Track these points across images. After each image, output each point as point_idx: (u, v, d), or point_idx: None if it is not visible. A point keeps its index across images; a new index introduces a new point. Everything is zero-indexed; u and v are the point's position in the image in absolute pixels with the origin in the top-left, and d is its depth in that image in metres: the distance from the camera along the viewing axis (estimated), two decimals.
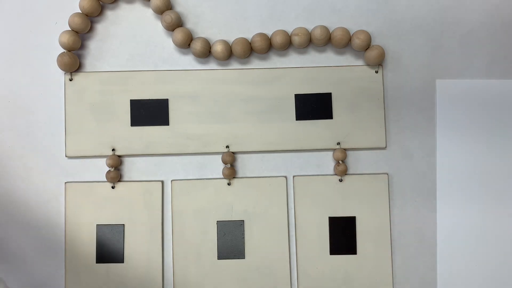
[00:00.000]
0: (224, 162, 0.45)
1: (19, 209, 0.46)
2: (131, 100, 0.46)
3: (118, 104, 0.46)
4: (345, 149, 0.45)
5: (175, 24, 0.44)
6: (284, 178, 0.45)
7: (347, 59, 0.46)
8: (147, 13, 0.46)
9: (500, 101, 0.46)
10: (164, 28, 0.45)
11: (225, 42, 0.45)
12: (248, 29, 0.46)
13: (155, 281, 0.45)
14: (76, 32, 0.45)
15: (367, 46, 0.44)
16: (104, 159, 0.45)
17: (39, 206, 0.46)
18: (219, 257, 0.45)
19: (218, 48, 0.44)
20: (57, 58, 0.44)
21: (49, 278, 0.45)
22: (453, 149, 0.46)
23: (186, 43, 0.45)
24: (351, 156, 0.46)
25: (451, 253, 0.46)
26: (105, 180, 0.45)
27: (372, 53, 0.44)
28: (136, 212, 0.45)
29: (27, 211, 0.46)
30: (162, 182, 0.46)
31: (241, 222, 0.45)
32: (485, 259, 0.46)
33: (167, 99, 0.46)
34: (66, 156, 0.45)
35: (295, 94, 0.46)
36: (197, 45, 0.44)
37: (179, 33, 0.44)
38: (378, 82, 0.46)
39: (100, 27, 0.46)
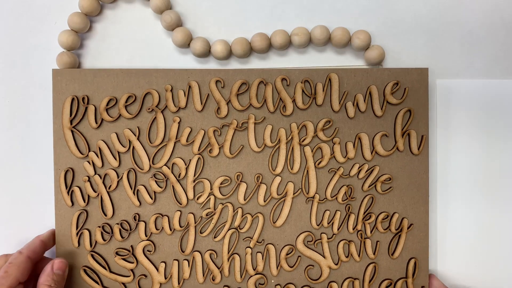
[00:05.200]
0: None
1: (19, 208, 0.46)
2: None
3: None
4: None
5: (175, 24, 0.44)
6: None
7: (347, 59, 0.46)
8: (147, 13, 0.46)
9: (500, 101, 0.46)
10: (164, 28, 0.45)
11: (225, 42, 0.45)
12: (248, 29, 0.46)
13: None
14: (76, 31, 0.45)
15: (367, 46, 0.44)
16: None
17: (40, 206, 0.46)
18: None
19: (217, 48, 0.44)
20: (57, 58, 0.44)
21: None
22: (453, 149, 0.46)
23: (185, 43, 0.45)
24: None
25: (451, 253, 0.46)
26: None
27: (372, 53, 0.44)
28: None
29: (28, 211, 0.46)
30: None
31: None
32: (485, 259, 0.46)
33: None
34: None
35: None
36: (196, 45, 0.44)
37: (178, 33, 0.44)
38: None
39: (100, 27, 0.46)
